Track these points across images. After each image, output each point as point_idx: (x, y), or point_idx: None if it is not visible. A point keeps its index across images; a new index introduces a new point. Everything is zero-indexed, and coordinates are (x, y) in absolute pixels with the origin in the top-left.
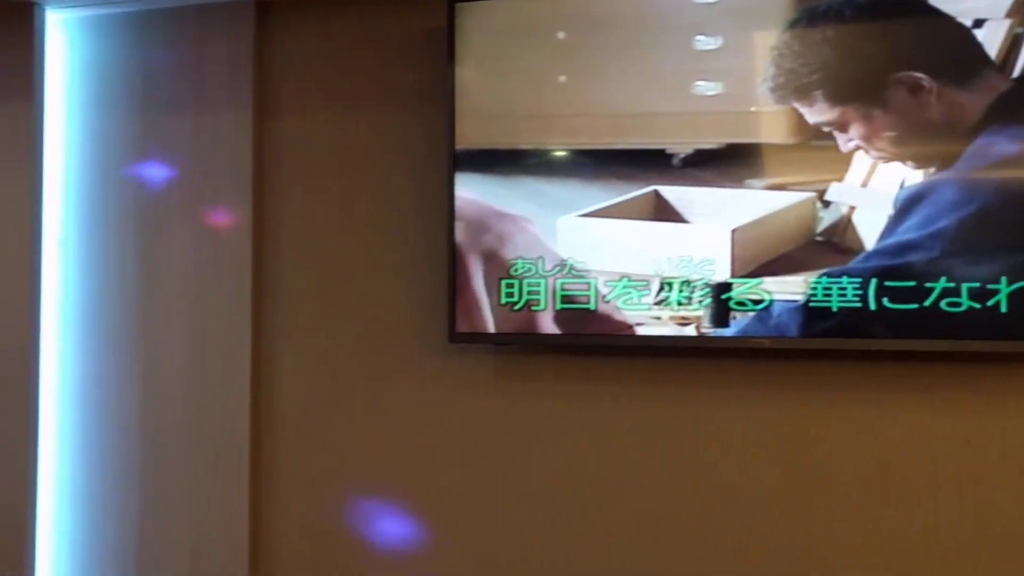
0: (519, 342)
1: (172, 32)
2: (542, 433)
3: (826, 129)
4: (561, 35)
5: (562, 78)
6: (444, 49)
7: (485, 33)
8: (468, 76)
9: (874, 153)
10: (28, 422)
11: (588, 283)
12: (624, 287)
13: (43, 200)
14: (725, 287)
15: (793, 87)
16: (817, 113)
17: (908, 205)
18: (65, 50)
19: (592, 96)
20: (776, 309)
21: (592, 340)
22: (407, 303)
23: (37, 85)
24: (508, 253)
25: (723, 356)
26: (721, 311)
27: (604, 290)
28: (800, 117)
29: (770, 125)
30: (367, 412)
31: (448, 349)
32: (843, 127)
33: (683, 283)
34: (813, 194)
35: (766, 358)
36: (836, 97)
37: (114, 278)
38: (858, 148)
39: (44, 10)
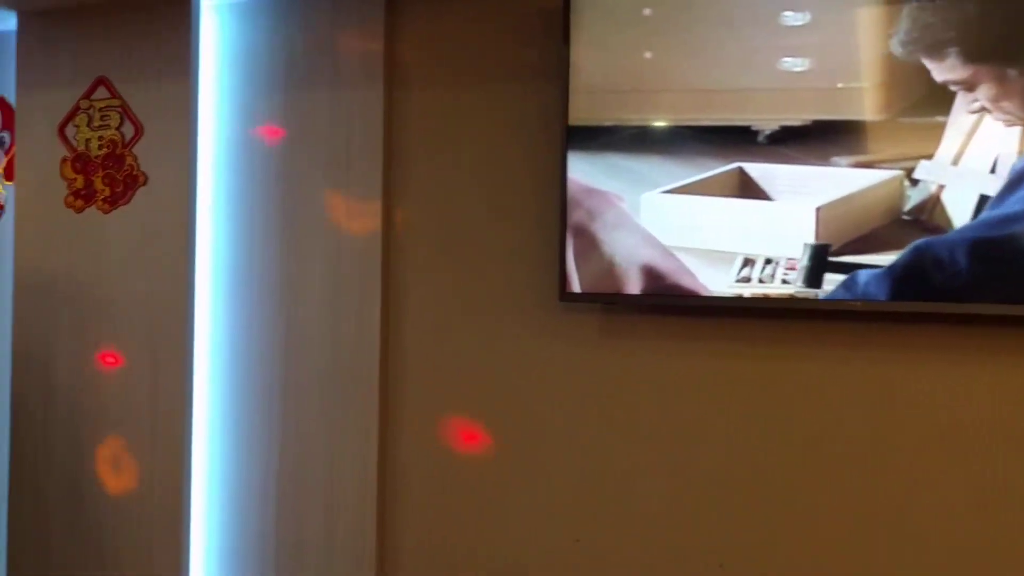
0: (624, 302)
1: (310, 14)
2: (643, 388)
3: (953, 88)
4: (647, 11)
5: (648, 54)
6: (559, 27)
7: (598, 11)
8: (580, 54)
9: (999, 116)
10: (184, 363)
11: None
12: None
13: (197, 169)
14: (819, 250)
15: (926, 43)
16: (947, 71)
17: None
18: (216, 34)
19: (678, 73)
20: (863, 276)
21: (692, 302)
22: (521, 264)
23: (193, 65)
24: (598, 227)
25: (815, 318)
26: (813, 274)
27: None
28: (908, 81)
29: (858, 101)
30: (482, 361)
31: (557, 308)
32: (971, 87)
33: (766, 260)
34: (901, 172)
35: (855, 320)
36: (971, 55)
37: (259, 237)
38: (982, 110)
39: None
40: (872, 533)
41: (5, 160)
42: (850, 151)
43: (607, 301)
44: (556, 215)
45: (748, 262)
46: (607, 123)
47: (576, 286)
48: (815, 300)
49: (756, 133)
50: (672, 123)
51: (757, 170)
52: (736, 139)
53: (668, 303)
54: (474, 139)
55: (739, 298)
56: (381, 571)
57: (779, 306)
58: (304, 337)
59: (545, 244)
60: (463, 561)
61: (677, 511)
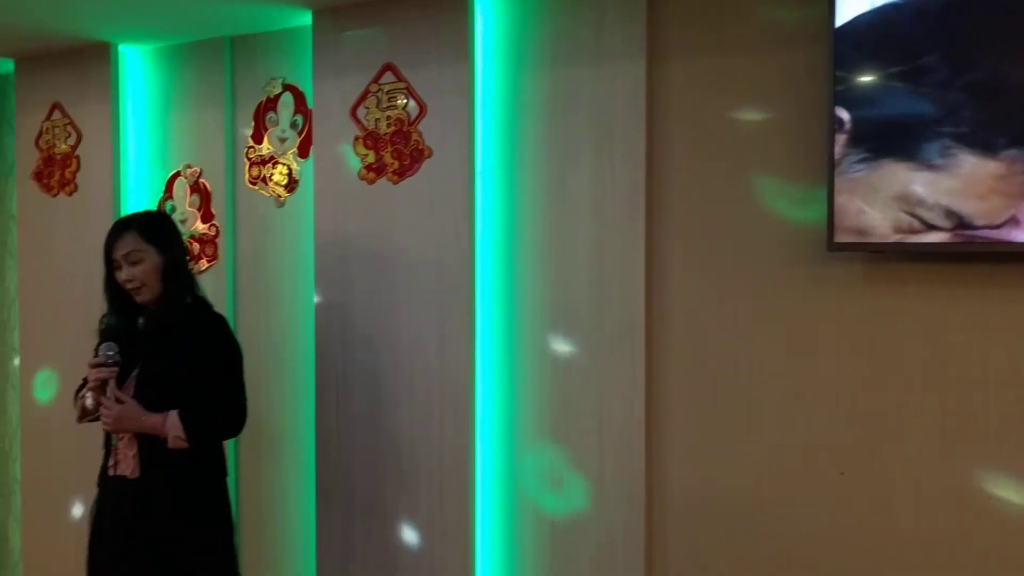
0: (894, 250)
1: None
2: (910, 333)
3: None
4: None
5: None
6: None
7: None
8: (845, 14)
9: None
10: (468, 319)
11: None
12: None
13: (476, 143)
14: None
15: None
16: None
17: None
18: (488, 17)
19: None
20: None
21: (964, 248)
22: (787, 215)
23: (471, 48)
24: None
25: None
26: None
27: None
28: None
29: None
30: (746, 311)
31: (824, 258)
32: None
33: None
34: None
35: None
36: None
37: (528, 204)
38: None
39: None
40: None
41: (299, 140)
42: None
43: (876, 250)
44: (823, 167)
45: None
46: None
47: (844, 236)
48: None
49: None
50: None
51: None
52: None
53: (937, 251)
54: (738, 98)
55: (1018, 244)
56: (649, 506)
57: None
58: (571, 293)
59: (811, 196)
60: (727, 496)
61: (944, 450)
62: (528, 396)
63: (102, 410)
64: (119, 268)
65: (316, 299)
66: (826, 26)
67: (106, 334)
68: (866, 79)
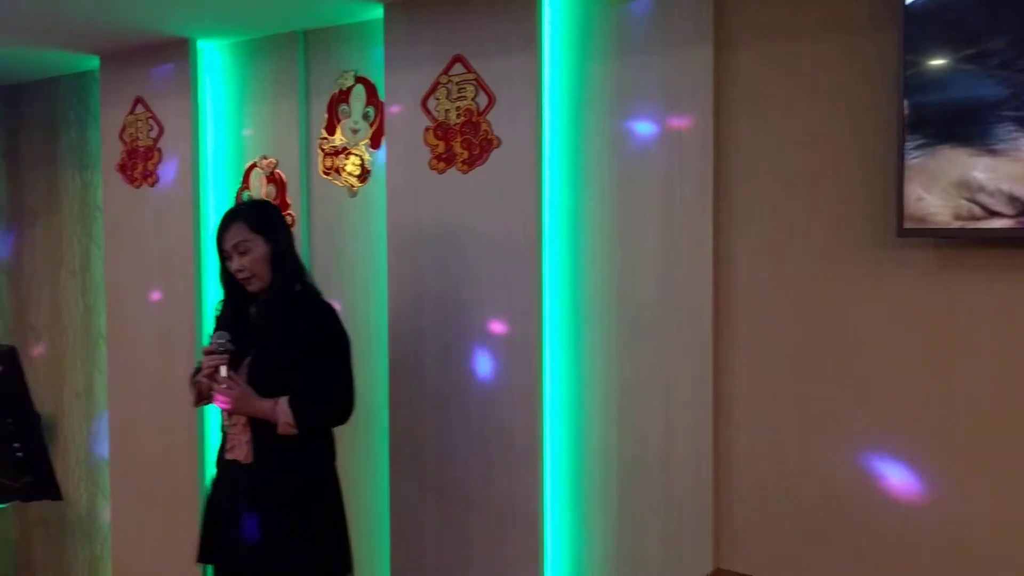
0: (961, 236)
1: None
2: (981, 321)
3: None
4: None
5: None
6: None
7: None
8: None
9: None
10: (536, 298)
11: None
12: None
13: (544, 132)
14: None
15: None
16: None
17: None
18: (556, 11)
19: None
20: None
21: None
22: (855, 202)
23: (539, 39)
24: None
25: None
26: None
27: None
28: None
29: None
30: (815, 292)
31: (892, 243)
32: None
33: None
34: None
35: None
36: None
37: (595, 189)
38: None
39: None
40: None
41: (371, 131)
42: None
43: (944, 236)
44: (893, 152)
45: None
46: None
47: (913, 222)
48: None
49: None
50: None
51: None
52: None
53: (1012, 236)
54: (804, 87)
55: None
56: (717, 490)
57: None
58: (638, 279)
59: (880, 181)
60: (796, 481)
61: (1016, 434)
62: (596, 380)
63: (217, 393)
64: (229, 258)
65: (389, 285)
66: (897, 9)
67: (220, 322)
68: (934, 63)
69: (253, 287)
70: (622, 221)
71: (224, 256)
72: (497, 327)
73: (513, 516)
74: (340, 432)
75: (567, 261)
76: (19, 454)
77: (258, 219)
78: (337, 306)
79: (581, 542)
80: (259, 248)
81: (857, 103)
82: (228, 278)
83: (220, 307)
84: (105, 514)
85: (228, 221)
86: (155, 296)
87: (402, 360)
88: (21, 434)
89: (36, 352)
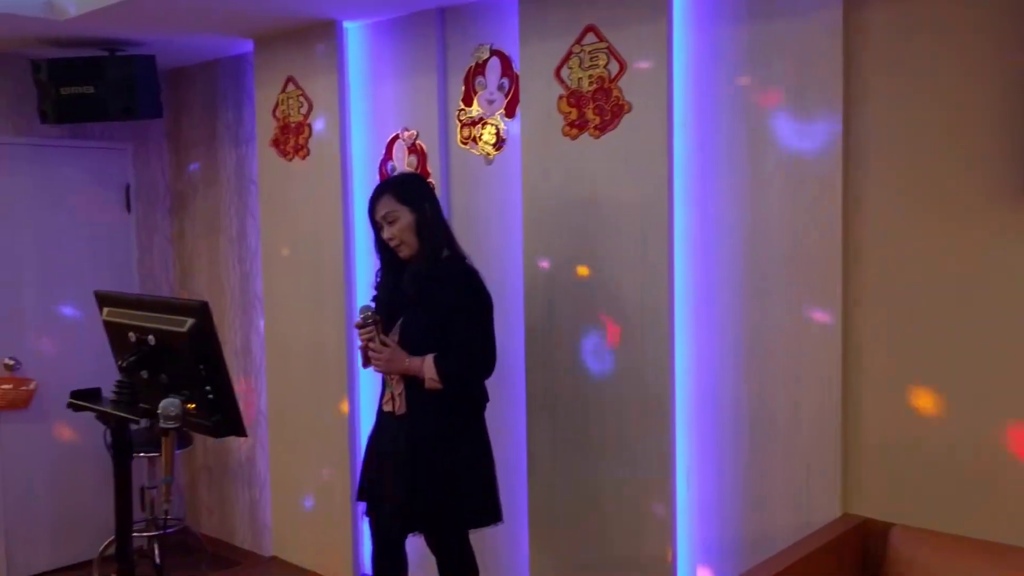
0: None
1: None
2: None
3: None
4: None
5: None
6: None
7: None
8: None
9: None
10: (667, 262)
11: None
12: None
13: (674, 96)
14: None
15: None
16: None
17: None
18: None
19: None
20: None
21: None
22: (989, 154)
23: (669, 7)
24: None
25: None
26: None
27: None
28: None
29: None
30: (945, 248)
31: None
32: None
33: None
34: None
35: None
36: None
37: (723, 154)
38: None
39: None
40: None
41: (506, 101)
42: None
43: None
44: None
45: None
46: None
47: None
48: None
49: None
50: None
51: None
52: None
53: None
54: (935, 46)
55: None
56: (845, 443)
57: None
58: (766, 237)
59: (1015, 135)
60: (924, 435)
61: None
62: (725, 334)
63: (371, 355)
64: (381, 228)
65: (524, 246)
66: None
67: (379, 288)
68: None
69: (403, 254)
70: (750, 182)
71: (376, 226)
72: (629, 287)
73: (645, 466)
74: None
75: (696, 220)
76: (210, 396)
77: (404, 191)
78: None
79: (710, 489)
80: (405, 218)
81: (988, 61)
82: (382, 246)
83: (379, 274)
84: (262, 462)
85: (378, 194)
86: (305, 261)
87: (537, 319)
88: (211, 379)
89: None
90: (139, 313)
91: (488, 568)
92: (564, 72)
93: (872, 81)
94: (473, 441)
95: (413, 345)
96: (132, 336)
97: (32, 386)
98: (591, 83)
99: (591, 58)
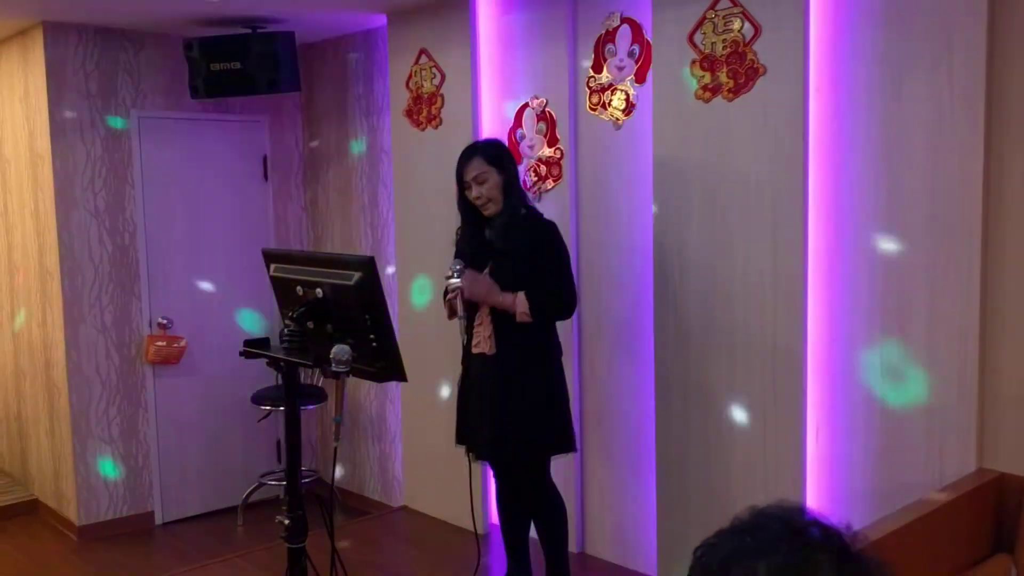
0: None
1: None
2: None
3: None
4: None
5: None
6: None
7: None
8: None
9: None
10: (800, 220)
11: None
12: None
13: (809, 58)
14: None
15: None
16: None
17: None
18: None
19: None
20: None
21: None
22: None
23: None
24: None
25: None
26: None
27: None
28: None
29: None
30: None
31: None
32: None
33: None
34: None
35: None
36: None
37: (862, 109)
38: None
39: None
40: None
41: (636, 68)
42: None
43: None
44: None
45: None
46: None
47: None
48: None
49: None
50: None
51: None
52: None
53: None
54: None
55: None
56: (982, 399)
57: None
58: (904, 197)
59: None
60: None
61: None
62: (860, 293)
63: (463, 282)
64: (469, 188)
65: (654, 209)
66: None
67: (460, 243)
68: None
69: (489, 211)
70: (888, 142)
71: (463, 186)
72: (761, 246)
73: (776, 419)
74: (605, 343)
75: (830, 182)
76: (374, 344)
77: (493, 154)
78: (602, 229)
79: (842, 441)
80: (493, 178)
81: None
82: (466, 205)
83: (459, 231)
84: (392, 417)
85: (468, 156)
86: (437, 225)
87: (667, 277)
88: (376, 328)
89: None
90: (308, 268)
91: (620, 524)
92: (697, 37)
93: (1017, 38)
94: (554, 380)
95: (502, 290)
96: (300, 290)
97: (183, 343)
98: (725, 47)
99: (725, 22)
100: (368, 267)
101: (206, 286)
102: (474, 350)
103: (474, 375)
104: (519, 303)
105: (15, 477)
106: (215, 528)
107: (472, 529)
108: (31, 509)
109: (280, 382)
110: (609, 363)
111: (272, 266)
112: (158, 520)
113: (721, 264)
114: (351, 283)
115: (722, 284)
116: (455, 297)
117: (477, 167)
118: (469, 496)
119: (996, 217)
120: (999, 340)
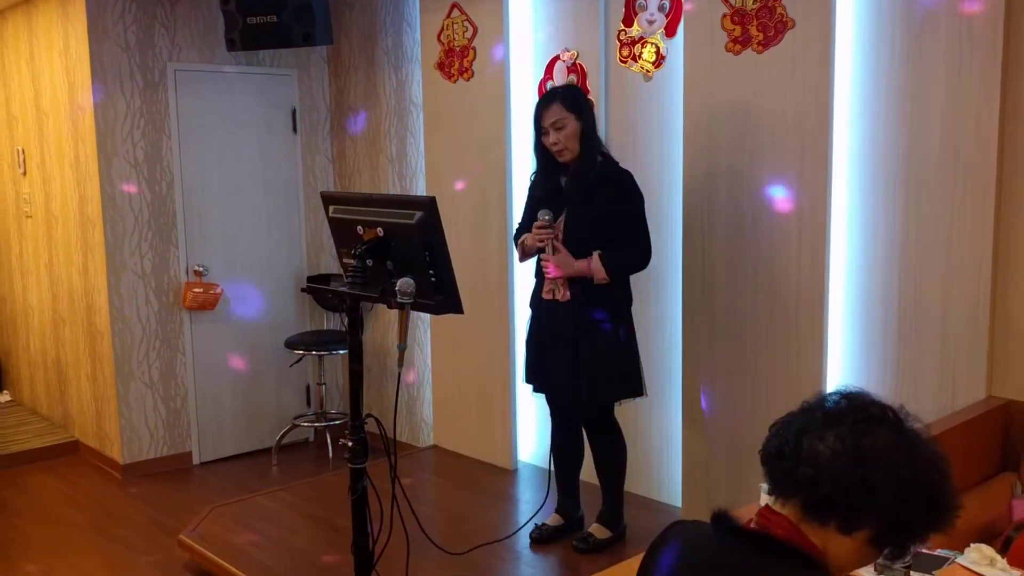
0: None
1: None
2: None
3: None
4: None
5: None
6: None
7: None
8: None
9: None
10: (827, 169)
11: None
12: None
13: (835, 12)
14: None
15: None
16: None
17: None
18: None
19: None
20: None
21: None
22: None
23: None
24: None
25: None
26: None
27: None
28: None
29: None
30: None
31: None
32: None
33: None
34: None
35: None
36: None
37: (885, 62)
38: None
39: None
40: None
41: (666, 21)
42: None
43: None
44: None
45: None
46: None
47: None
48: None
49: None
50: None
51: None
52: None
53: None
54: None
55: None
56: (992, 328)
57: None
58: (923, 141)
59: None
60: None
61: None
62: (877, 233)
63: (544, 260)
64: (546, 134)
65: (684, 157)
66: None
67: (534, 190)
68: None
69: (564, 158)
70: (910, 89)
71: (541, 132)
72: (787, 189)
73: (798, 354)
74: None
75: (855, 131)
76: (433, 279)
77: (572, 100)
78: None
79: (860, 369)
80: (572, 125)
81: None
82: (542, 151)
83: (533, 177)
84: (419, 361)
85: (547, 102)
86: (462, 184)
87: (695, 222)
88: (435, 264)
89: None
90: (369, 209)
91: (647, 458)
92: None
93: None
94: (625, 326)
95: (578, 238)
96: (360, 229)
97: (219, 290)
98: (755, 1)
99: None
100: (430, 207)
101: (239, 235)
102: (544, 296)
103: (544, 320)
104: (595, 268)
105: (54, 420)
106: (251, 467)
107: (505, 465)
108: (72, 450)
109: (329, 325)
110: (639, 302)
111: (331, 208)
112: (195, 460)
113: (747, 210)
114: (412, 222)
115: (748, 229)
116: (546, 243)
117: (556, 113)
118: (509, 430)
119: (1011, 158)
120: (1010, 279)
